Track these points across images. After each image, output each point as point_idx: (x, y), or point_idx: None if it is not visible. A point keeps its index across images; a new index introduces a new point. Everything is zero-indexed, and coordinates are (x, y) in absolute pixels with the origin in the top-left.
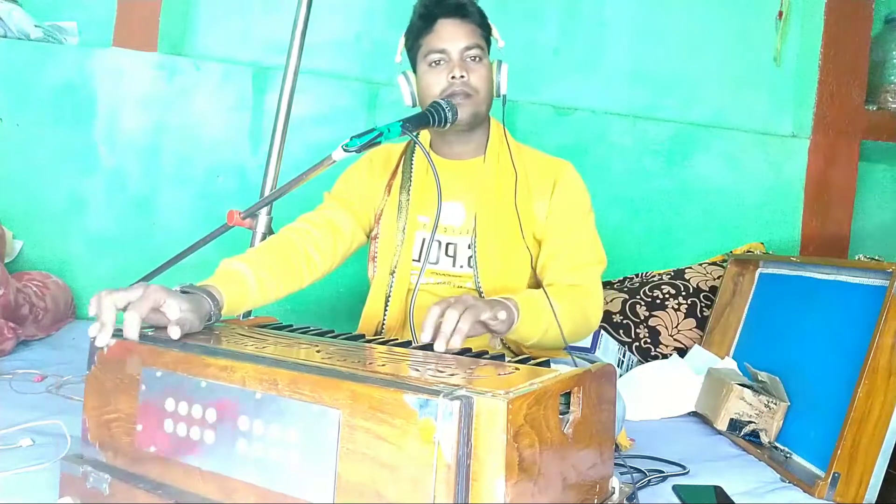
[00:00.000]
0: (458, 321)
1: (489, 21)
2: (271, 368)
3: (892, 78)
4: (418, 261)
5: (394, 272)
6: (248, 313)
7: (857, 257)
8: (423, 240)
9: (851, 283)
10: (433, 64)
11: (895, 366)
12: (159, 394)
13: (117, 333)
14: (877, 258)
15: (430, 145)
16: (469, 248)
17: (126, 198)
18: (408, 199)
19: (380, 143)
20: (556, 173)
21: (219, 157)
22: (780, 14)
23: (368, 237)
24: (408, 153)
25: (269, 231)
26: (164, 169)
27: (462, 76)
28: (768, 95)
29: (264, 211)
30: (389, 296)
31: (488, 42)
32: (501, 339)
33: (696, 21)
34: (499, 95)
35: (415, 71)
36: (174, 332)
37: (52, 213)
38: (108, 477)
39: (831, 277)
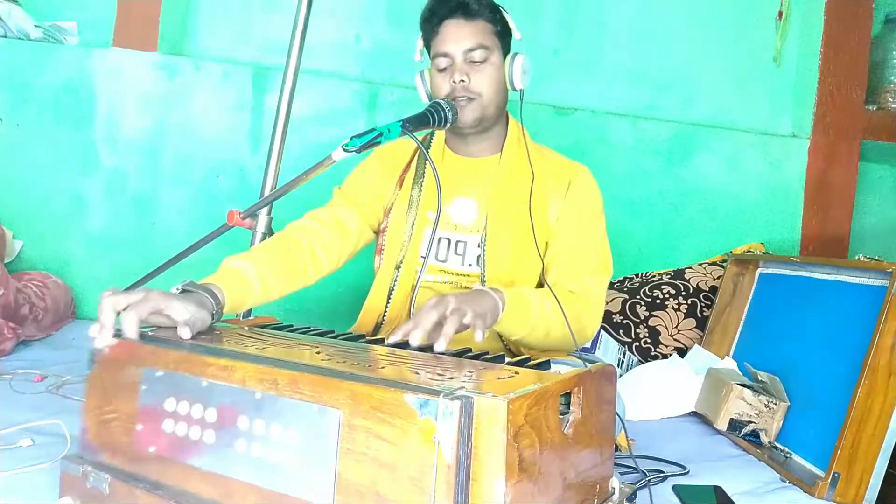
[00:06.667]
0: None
1: (504, 14)
2: (271, 368)
3: (892, 78)
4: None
5: (399, 266)
6: (249, 312)
7: (857, 257)
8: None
9: (851, 283)
10: (439, 69)
11: (895, 366)
12: (160, 394)
13: (118, 334)
14: (877, 258)
15: (446, 142)
16: (479, 246)
17: (126, 198)
18: (419, 195)
19: (380, 143)
20: (571, 175)
21: (219, 157)
22: (780, 14)
23: (376, 233)
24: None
25: (269, 231)
26: (164, 169)
27: (462, 80)
28: (768, 95)
29: (264, 211)
30: (393, 289)
31: (504, 36)
32: (499, 338)
33: (695, 21)
34: (515, 89)
35: None
36: (184, 333)
37: (52, 213)
38: (107, 477)
39: (831, 277)
